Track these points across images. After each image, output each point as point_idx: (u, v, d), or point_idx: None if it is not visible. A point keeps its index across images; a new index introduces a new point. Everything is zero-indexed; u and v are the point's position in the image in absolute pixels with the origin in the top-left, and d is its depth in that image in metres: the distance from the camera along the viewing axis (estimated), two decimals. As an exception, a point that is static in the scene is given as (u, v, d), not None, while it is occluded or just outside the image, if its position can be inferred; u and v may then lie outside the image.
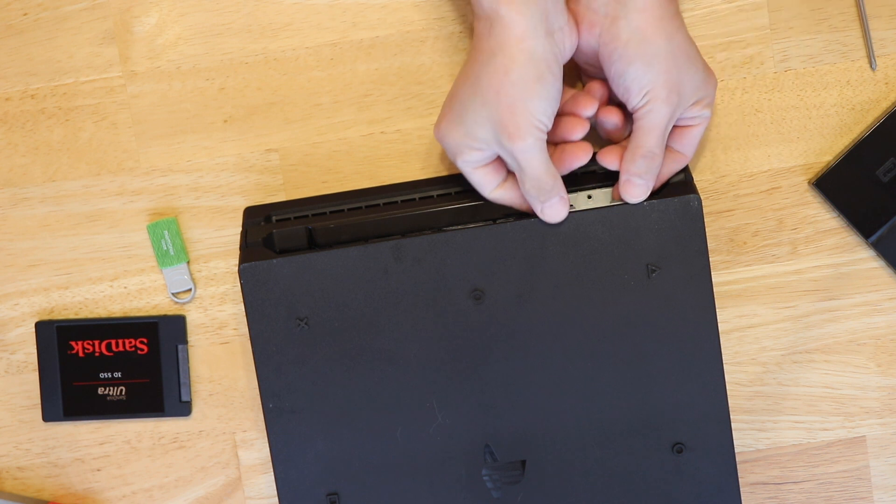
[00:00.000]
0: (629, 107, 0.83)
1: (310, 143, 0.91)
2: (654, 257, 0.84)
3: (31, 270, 0.92)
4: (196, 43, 0.90)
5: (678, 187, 0.85)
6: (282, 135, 0.91)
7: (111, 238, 0.91)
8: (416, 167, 0.91)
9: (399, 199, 0.87)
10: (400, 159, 0.91)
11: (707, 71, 0.83)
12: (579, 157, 0.84)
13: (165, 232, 0.90)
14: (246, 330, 0.92)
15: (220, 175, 0.91)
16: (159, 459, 0.93)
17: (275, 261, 0.84)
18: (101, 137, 0.91)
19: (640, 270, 0.84)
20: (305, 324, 0.84)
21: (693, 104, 0.83)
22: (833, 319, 0.92)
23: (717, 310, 0.84)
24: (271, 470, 0.92)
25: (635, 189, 0.83)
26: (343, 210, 0.87)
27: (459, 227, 0.85)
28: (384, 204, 0.87)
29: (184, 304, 0.92)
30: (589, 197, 0.85)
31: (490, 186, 0.84)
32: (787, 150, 0.91)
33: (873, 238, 0.90)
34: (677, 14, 0.82)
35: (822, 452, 0.93)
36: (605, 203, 0.85)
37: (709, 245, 0.91)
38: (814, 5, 0.90)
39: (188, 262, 0.91)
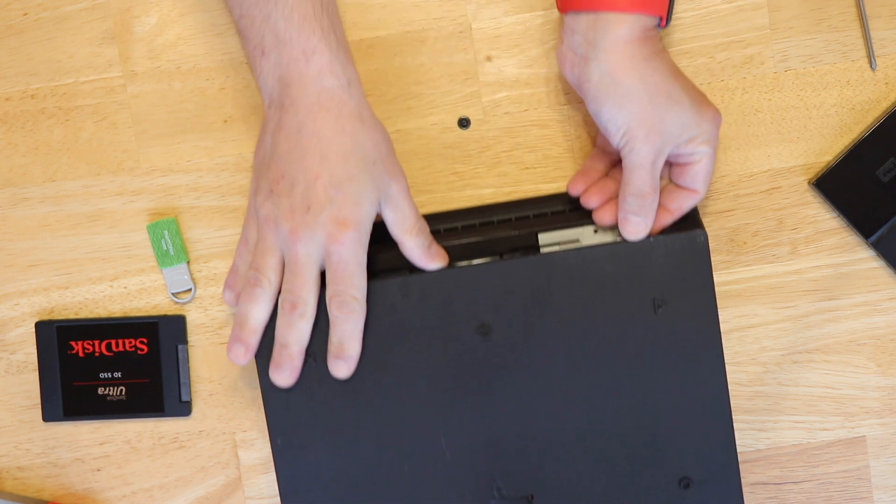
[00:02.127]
0: (612, 145, 0.83)
1: (310, 143, 0.91)
2: (660, 292, 0.84)
3: (31, 270, 0.92)
4: (196, 43, 0.90)
5: (684, 222, 0.85)
6: (282, 135, 0.90)
7: (111, 238, 0.91)
8: (415, 167, 0.91)
9: None
10: (400, 159, 0.91)
11: (699, 108, 0.83)
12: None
13: (165, 232, 0.90)
14: (246, 330, 0.92)
15: (220, 175, 0.91)
16: (159, 459, 0.93)
17: None
18: (101, 137, 0.91)
19: (646, 305, 0.84)
20: (314, 359, 0.84)
21: (687, 142, 0.83)
22: (833, 319, 0.92)
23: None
24: (271, 470, 0.92)
25: (632, 226, 0.84)
26: None
27: (466, 262, 0.85)
28: (390, 240, 0.87)
29: (184, 304, 0.92)
30: (595, 231, 0.85)
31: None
32: (787, 150, 0.91)
33: (873, 238, 0.90)
34: (654, 55, 0.82)
35: (822, 452, 0.93)
36: (612, 238, 0.85)
37: (709, 245, 0.91)
38: (814, 5, 0.90)
39: (188, 262, 0.91)
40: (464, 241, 0.86)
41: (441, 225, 0.88)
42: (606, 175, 0.88)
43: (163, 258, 0.91)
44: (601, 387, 0.84)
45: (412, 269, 0.85)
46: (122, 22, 0.90)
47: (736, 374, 0.92)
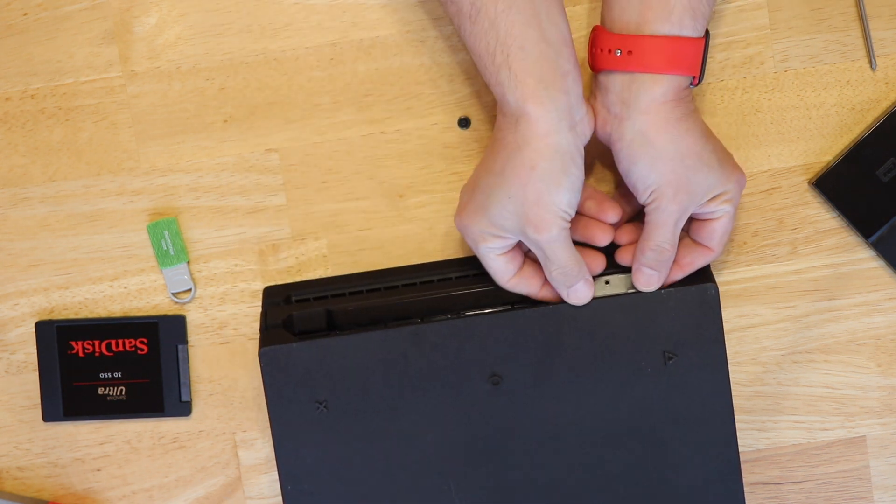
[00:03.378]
0: (639, 202, 0.84)
1: (310, 143, 0.91)
2: (670, 344, 0.84)
3: (31, 270, 0.92)
4: (196, 43, 0.90)
5: (695, 275, 0.86)
6: (282, 135, 0.91)
7: (111, 238, 0.91)
8: (415, 167, 0.91)
9: (417, 281, 0.88)
10: (400, 159, 0.91)
11: (725, 170, 0.83)
12: (600, 239, 0.86)
13: (165, 232, 0.90)
14: (245, 330, 0.92)
15: (220, 175, 0.91)
16: (159, 459, 0.93)
17: (294, 345, 0.84)
18: (101, 137, 0.91)
19: (656, 357, 0.84)
20: (325, 407, 0.84)
21: (710, 200, 0.83)
22: (833, 319, 0.92)
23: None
24: (271, 470, 0.92)
25: (646, 279, 0.85)
26: (362, 291, 0.88)
27: (477, 312, 0.86)
28: (403, 286, 0.88)
29: (184, 304, 0.92)
30: (607, 283, 0.86)
31: (508, 275, 0.85)
32: (787, 150, 0.91)
33: (873, 238, 0.90)
34: (686, 116, 0.82)
35: (822, 452, 0.93)
36: (623, 289, 0.85)
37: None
38: (814, 5, 0.90)
39: (188, 262, 0.91)
40: (475, 289, 0.86)
41: (453, 273, 0.88)
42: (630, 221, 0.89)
43: (163, 258, 0.91)
44: (611, 436, 0.85)
45: (423, 317, 0.86)
46: (122, 22, 0.90)
47: (736, 374, 0.92)
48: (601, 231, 0.86)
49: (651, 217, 0.83)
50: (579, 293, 0.84)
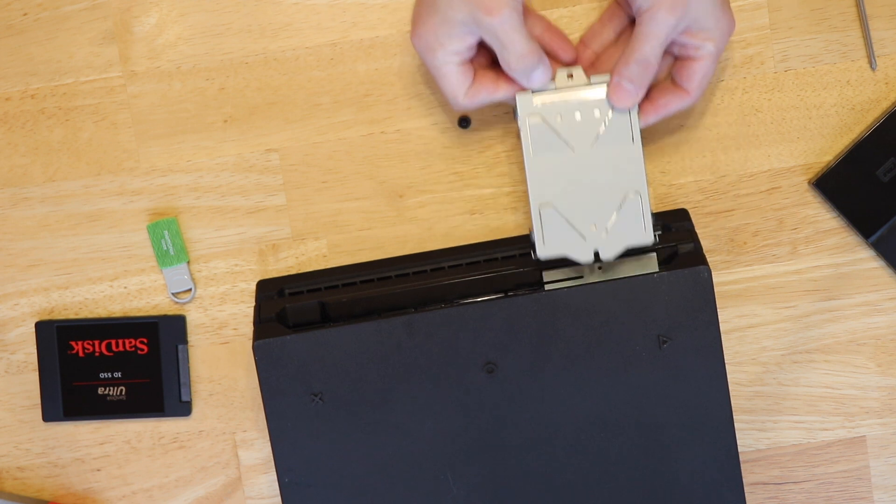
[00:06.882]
0: (633, 7, 0.82)
1: (310, 143, 0.91)
2: (664, 328, 0.84)
3: (31, 270, 0.92)
4: (196, 43, 0.90)
5: (688, 258, 0.85)
6: (282, 135, 0.91)
7: (111, 238, 0.91)
8: (415, 167, 0.91)
9: (410, 271, 0.88)
10: (400, 159, 0.91)
11: (723, 6, 0.83)
12: (562, 55, 0.86)
13: (165, 232, 0.91)
14: (246, 330, 0.92)
15: (220, 175, 0.91)
16: (159, 459, 0.93)
17: (288, 337, 0.84)
18: (101, 137, 0.91)
19: (651, 341, 0.84)
20: (320, 399, 0.84)
21: (698, 31, 0.82)
22: (833, 319, 0.92)
23: (717, 310, 0.84)
24: (271, 470, 0.92)
25: (623, 93, 0.83)
26: (355, 283, 0.88)
27: (471, 300, 0.86)
28: (396, 276, 0.87)
29: (184, 304, 0.92)
30: (570, 76, 0.84)
31: (464, 87, 0.84)
32: (787, 150, 0.91)
33: (873, 238, 0.90)
34: None
35: (822, 452, 0.93)
36: (585, 80, 0.84)
37: (709, 245, 0.91)
38: (814, 5, 0.90)
39: (188, 262, 0.91)
40: (469, 278, 0.87)
41: (445, 262, 0.88)
42: (611, 45, 0.88)
43: (163, 258, 0.91)
44: (607, 422, 0.85)
45: (417, 307, 0.86)
46: (122, 22, 0.90)
47: (736, 374, 0.92)
48: (563, 50, 0.86)
49: (643, 27, 0.82)
50: (539, 77, 0.83)
